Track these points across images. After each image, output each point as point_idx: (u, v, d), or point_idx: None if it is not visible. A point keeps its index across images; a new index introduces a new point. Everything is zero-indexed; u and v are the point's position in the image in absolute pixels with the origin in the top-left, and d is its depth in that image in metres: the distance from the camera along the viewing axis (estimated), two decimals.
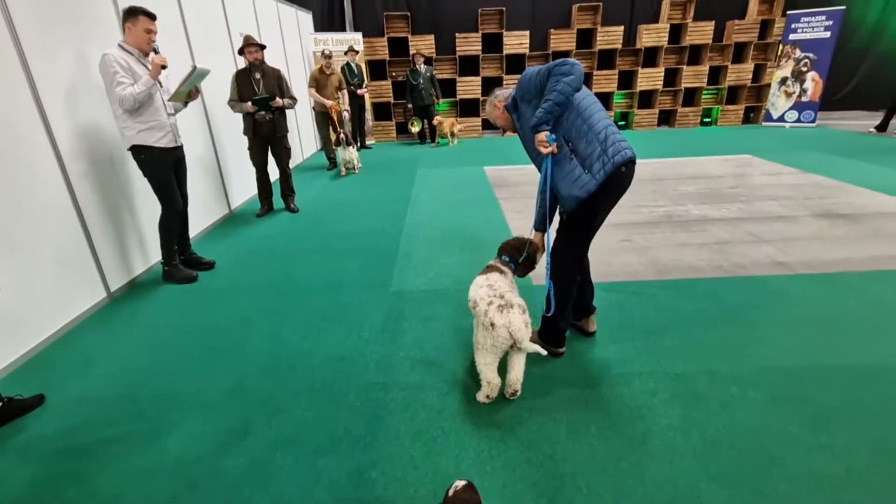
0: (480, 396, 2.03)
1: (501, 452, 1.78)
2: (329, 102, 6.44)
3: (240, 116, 4.58)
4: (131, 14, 2.89)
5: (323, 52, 6.60)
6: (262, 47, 4.39)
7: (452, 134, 8.62)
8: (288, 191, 4.99)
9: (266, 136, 4.56)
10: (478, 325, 2.02)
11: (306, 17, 8.25)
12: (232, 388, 2.22)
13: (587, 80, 9.18)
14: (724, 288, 2.96)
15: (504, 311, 1.89)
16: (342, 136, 6.40)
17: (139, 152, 3.05)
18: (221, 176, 4.78)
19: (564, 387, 2.13)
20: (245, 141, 4.68)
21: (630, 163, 2.00)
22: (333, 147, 6.86)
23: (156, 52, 3.00)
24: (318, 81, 6.49)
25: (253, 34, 5.71)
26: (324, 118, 6.72)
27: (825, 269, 3.14)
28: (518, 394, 2.04)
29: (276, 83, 4.48)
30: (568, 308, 2.28)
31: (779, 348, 2.35)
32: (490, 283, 2.06)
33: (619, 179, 2.01)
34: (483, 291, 2.02)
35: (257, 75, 4.36)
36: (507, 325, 1.86)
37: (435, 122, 8.47)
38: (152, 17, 2.94)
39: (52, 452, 1.89)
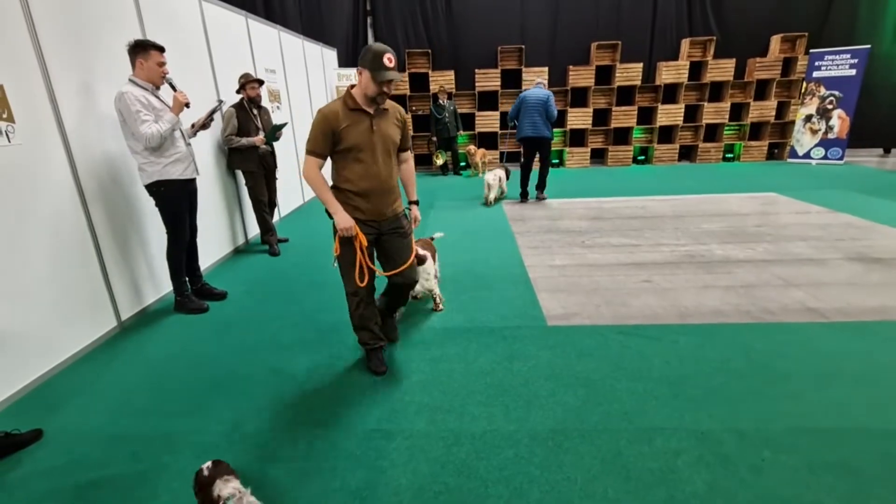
0: (484, 201, 6.41)
1: None
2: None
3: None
4: (142, 49, 2.85)
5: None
6: (261, 83, 4.41)
7: (484, 163, 8.75)
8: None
9: (269, 168, 4.60)
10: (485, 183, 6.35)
11: (331, 54, 8.53)
12: (229, 429, 2.14)
13: (605, 115, 9.32)
14: (751, 335, 2.79)
15: (491, 176, 6.32)
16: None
17: (160, 185, 3.02)
18: (240, 205, 4.84)
19: (579, 441, 1.99)
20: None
21: (519, 140, 6.16)
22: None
23: (171, 85, 3.01)
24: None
25: (278, 69, 5.92)
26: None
27: (861, 318, 2.94)
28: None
29: (269, 118, 4.60)
30: (524, 177, 6.39)
31: (814, 406, 2.17)
32: (496, 171, 6.47)
33: (522, 142, 6.16)
34: (491, 173, 6.36)
35: (255, 111, 4.40)
36: (487, 177, 6.32)
37: (468, 151, 8.71)
38: (162, 49, 2.92)
39: (40, 493, 1.82)
